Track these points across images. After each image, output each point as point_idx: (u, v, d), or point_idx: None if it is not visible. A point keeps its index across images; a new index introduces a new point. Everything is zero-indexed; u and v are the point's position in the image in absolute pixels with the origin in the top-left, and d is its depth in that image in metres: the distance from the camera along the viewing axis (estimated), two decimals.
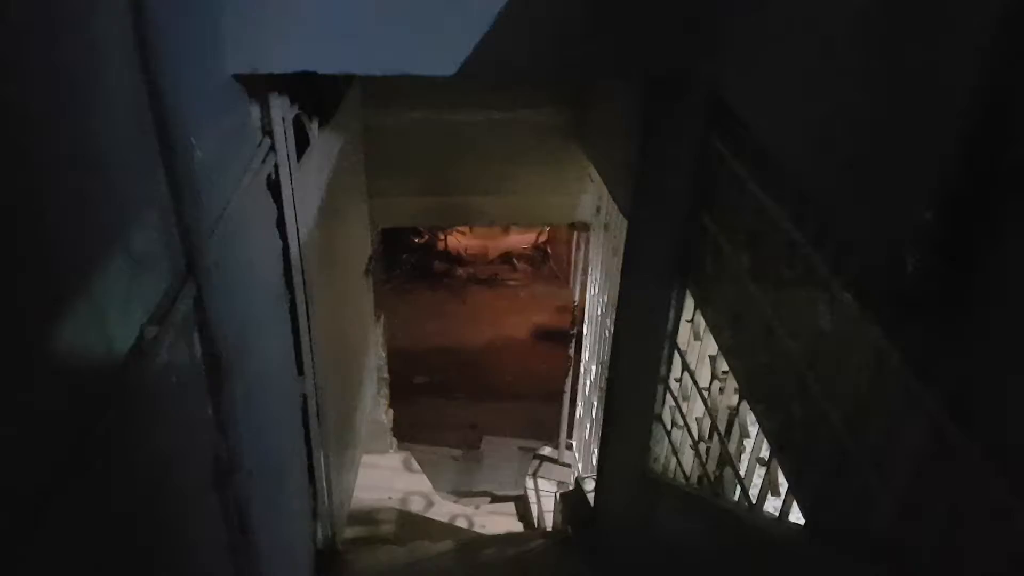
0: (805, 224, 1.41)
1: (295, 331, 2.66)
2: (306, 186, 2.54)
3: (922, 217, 0.96)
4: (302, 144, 2.50)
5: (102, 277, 1.26)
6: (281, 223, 2.41)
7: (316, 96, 2.70)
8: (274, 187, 2.33)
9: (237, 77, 1.97)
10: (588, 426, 4.81)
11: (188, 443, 1.73)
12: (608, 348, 3.53)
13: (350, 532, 4.05)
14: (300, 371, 2.77)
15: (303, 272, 2.55)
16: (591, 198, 4.39)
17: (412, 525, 4.69)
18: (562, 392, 5.29)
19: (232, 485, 1.95)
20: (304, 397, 2.85)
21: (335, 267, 3.43)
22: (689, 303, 2.15)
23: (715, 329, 1.96)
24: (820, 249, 1.34)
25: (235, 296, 1.96)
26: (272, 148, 2.26)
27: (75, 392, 1.16)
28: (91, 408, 1.19)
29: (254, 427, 2.11)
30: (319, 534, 3.33)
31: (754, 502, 1.71)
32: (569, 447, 5.51)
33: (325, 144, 2.95)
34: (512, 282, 8.97)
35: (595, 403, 4.49)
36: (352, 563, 3.53)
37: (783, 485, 1.56)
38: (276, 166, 2.31)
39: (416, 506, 4.89)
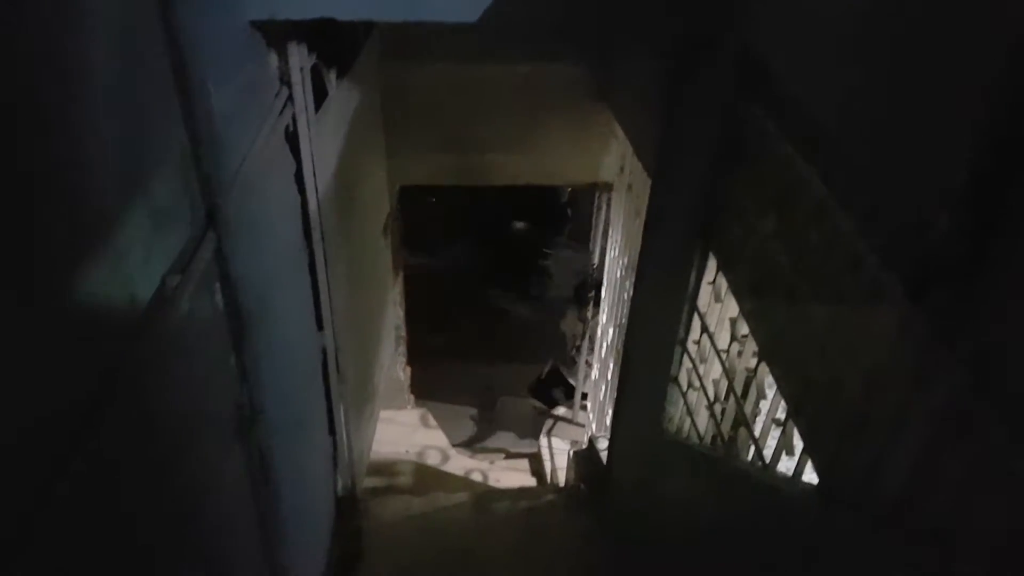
0: (833, 185, 1.37)
1: (314, 286, 2.68)
2: (324, 139, 2.53)
3: (954, 179, 0.94)
4: (320, 96, 2.48)
5: (124, 226, 1.27)
6: (299, 177, 2.41)
7: (334, 46, 2.66)
8: (292, 139, 2.32)
9: (255, 24, 1.94)
10: (603, 387, 4.84)
11: (211, 392, 1.76)
12: (626, 311, 3.53)
13: (369, 482, 4.16)
14: (320, 326, 2.80)
15: (322, 227, 2.55)
16: (614, 157, 4.33)
17: (428, 477, 4.80)
18: (578, 354, 5.32)
19: (255, 433, 1.99)
20: (324, 351, 2.89)
21: (354, 224, 3.44)
22: (711, 265, 2.13)
23: (737, 292, 1.94)
24: (847, 211, 1.31)
25: (255, 249, 1.97)
26: (290, 99, 2.24)
27: (98, 340, 1.18)
28: (114, 355, 1.21)
29: (275, 379, 2.15)
30: (339, 483, 3.41)
31: (768, 462, 1.72)
32: (583, 408, 5.56)
33: (343, 96, 2.92)
34: None
35: (611, 365, 4.50)
36: (371, 511, 3.63)
37: (798, 446, 1.56)
38: (294, 117, 2.29)
39: (432, 460, 5.00)
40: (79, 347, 1.13)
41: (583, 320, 5.15)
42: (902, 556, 1.03)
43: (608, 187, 4.48)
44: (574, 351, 5.32)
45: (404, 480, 4.78)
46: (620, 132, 3.98)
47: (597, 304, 4.92)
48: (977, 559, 0.89)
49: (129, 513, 1.29)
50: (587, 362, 5.22)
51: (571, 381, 5.17)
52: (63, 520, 1.04)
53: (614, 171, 4.36)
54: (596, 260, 4.84)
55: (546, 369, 5.90)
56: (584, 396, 5.48)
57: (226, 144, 1.69)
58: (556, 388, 5.11)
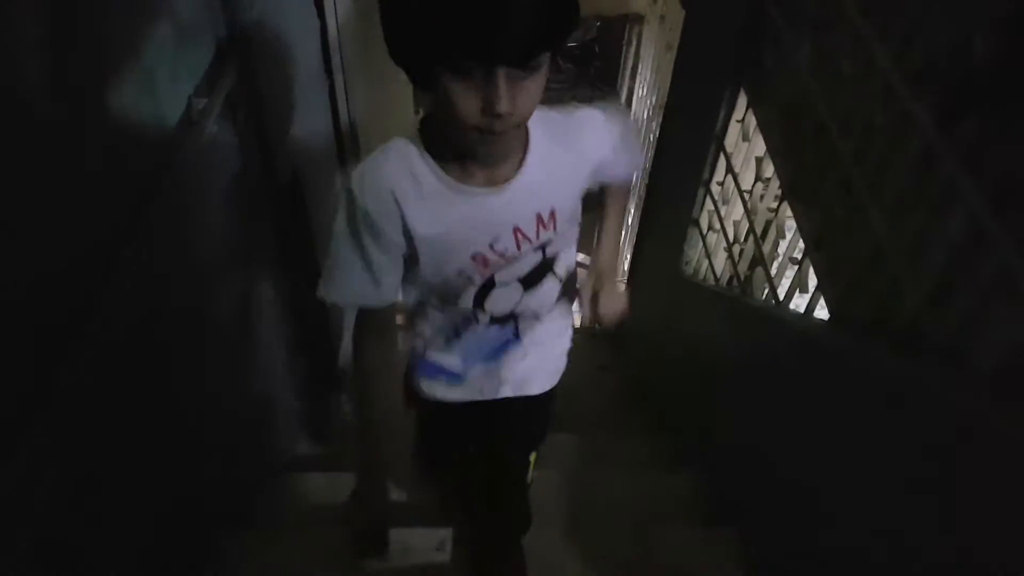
0: (870, 13, 1.30)
1: (335, 118, 2.64)
2: None
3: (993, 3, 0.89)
4: None
5: (152, 42, 1.25)
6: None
7: None
8: None
9: None
10: (623, 232, 4.87)
11: (240, 217, 1.81)
12: (651, 153, 3.47)
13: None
14: (342, 161, 2.80)
15: (341, 54, 2.48)
16: None
17: None
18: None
19: (289, 264, 2.07)
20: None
21: (374, 52, 3.32)
22: (742, 101, 2.06)
23: (765, 128, 1.90)
24: (883, 40, 1.25)
25: (276, 75, 1.94)
26: None
27: (132, 158, 1.21)
28: (147, 175, 1.25)
29: (301, 211, 2.19)
30: None
31: (782, 300, 1.77)
32: None
33: None
34: (555, 84, 8.60)
35: (632, 209, 4.50)
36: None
37: (811, 284, 1.60)
38: None
39: None
40: (115, 163, 1.15)
41: None
42: (914, 379, 1.07)
43: (639, 19, 4.23)
44: None
45: None
46: None
47: None
48: (985, 376, 0.94)
49: (163, 339, 1.34)
50: None
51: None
52: (108, 325, 1.10)
53: (647, 0, 4.09)
54: (623, 100, 4.68)
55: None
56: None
57: None
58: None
